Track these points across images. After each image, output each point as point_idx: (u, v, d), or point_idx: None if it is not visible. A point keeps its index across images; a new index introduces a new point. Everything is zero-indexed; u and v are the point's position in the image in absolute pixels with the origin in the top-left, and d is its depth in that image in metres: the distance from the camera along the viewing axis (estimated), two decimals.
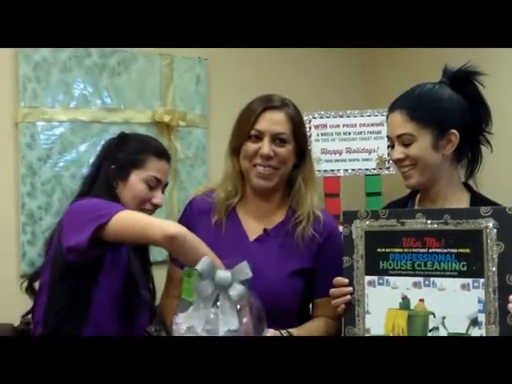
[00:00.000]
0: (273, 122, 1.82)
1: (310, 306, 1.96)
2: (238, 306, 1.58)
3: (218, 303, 1.58)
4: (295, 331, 1.78)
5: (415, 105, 1.78)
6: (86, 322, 1.76)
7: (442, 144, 1.77)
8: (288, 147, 1.84)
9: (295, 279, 1.85)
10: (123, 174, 1.89)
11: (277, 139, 1.82)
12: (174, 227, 1.64)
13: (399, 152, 1.79)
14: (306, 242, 1.86)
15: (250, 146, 1.83)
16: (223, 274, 1.58)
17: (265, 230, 1.88)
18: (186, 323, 1.58)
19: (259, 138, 1.82)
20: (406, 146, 1.78)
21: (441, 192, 1.81)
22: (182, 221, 1.88)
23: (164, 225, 1.64)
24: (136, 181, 1.88)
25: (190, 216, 1.92)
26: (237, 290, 1.58)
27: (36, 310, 1.84)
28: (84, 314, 1.76)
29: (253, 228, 1.90)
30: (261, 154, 1.81)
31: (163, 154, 1.95)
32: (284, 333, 1.74)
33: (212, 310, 1.58)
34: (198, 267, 1.58)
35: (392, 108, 1.82)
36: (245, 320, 1.60)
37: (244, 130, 1.84)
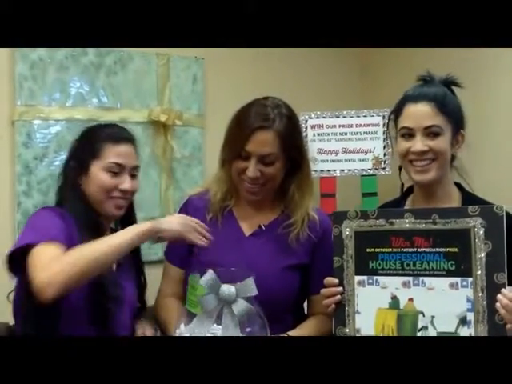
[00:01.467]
0: (261, 143, 1.81)
1: (305, 303, 1.97)
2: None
3: (221, 318, 1.59)
4: (292, 334, 1.79)
5: (442, 99, 1.74)
6: (57, 327, 1.74)
7: (454, 142, 1.77)
8: (276, 165, 1.84)
9: (290, 274, 1.87)
10: (84, 168, 1.86)
11: (264, 159, 1.82)
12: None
13: (424, 144, 1.74)
14: (300, 242, 1.88)
15: (239, 164, 1.84)
16: (228, 289, 1.59)
17: (260, 226, 1.90)
18: (188, 334, 1.59)
19: (247, 157, 1.83)
20: (432, 138, 1.73)
21: (439, 191, 1.82)
22: None
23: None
24: (96, 171, 1.85)
25: (186, 214, 1.93)
26: (241, 306, 1.59)
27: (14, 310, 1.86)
28: (54, 320, 1.74)
29: (248, 224, 1.92)
30: (247, 175, 1.83)
31: (120, 138, 1.89)
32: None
33: (215, 324, 1.59)
34: (203, 282, 1.59)
35: (416, 98, 1.76)
36: (247, 330, 1.61)
37: (234, 149, 1.85)
